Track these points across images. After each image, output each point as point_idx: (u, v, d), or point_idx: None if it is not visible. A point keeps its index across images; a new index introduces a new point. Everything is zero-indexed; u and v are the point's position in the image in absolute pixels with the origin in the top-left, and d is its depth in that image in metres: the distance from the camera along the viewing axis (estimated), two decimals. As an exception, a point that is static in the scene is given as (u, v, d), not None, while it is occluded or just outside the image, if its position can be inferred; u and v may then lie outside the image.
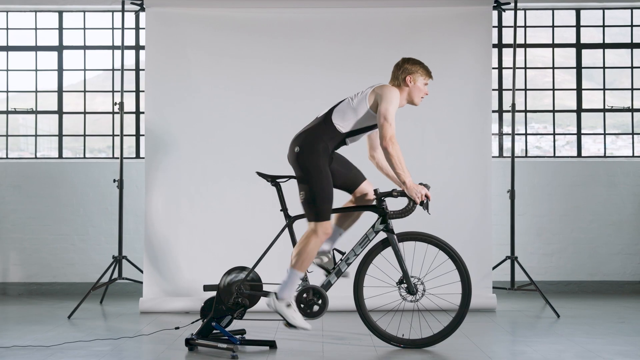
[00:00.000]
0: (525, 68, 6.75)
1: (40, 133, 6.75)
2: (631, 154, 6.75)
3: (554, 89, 6.77)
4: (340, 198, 4.24)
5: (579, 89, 6.75)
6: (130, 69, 6.66)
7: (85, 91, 6.75)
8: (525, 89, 6.76)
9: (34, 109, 6.74)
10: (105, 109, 6.84)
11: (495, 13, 6.48)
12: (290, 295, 4.02)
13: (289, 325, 4.02)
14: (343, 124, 4.06)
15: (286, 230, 4.21)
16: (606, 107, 6.77)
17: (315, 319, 4.10)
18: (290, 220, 4.21)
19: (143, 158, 6.30)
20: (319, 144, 4.02)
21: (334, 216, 4.20)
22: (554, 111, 6.77)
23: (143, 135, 6.43)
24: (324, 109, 4.19)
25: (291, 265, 4.00)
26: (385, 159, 4.02)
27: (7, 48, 6.78)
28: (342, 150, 4.21)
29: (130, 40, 6.65)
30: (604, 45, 6.79)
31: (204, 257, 5.44)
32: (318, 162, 4.00)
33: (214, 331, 4.18)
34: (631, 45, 6.80)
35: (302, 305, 4.08)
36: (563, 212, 6.55)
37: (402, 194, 4.08)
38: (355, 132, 4.10)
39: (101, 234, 6.48)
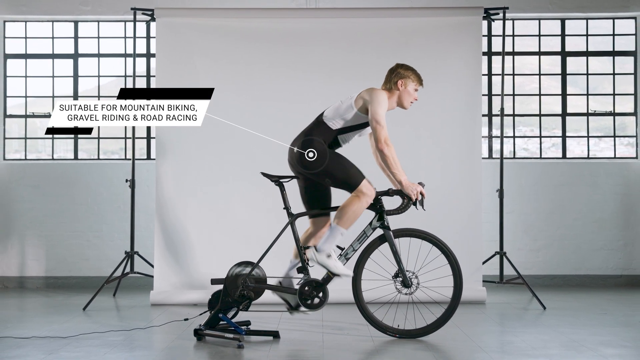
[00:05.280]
0: (514, 75, 6.76)
1: (56, 136, 6.76)
2: (613, 156, 6.76)
3: (540, 94, 6.78)
4: (339, 196, 4.25)
5: (564, 95, 6.76)
6: (142, 75, 6.66)
7: (99, 96, 6.76)
8: (514, 94, 6.76)
9: (51, 113, 6.73)
10: (118, 113, 6.84)
11: (485, 23, 6.50)
12: (330, 248, 4.06)
13: (332, 275, 4.07)
14: (334, 123, 4.12)
15: (289, 227, 4.21)
16: (589, 112, 6.77)
17: (316, 310, 4.12)
18: (292, 217, 4.21)
19: (154, 159, 6.31)
20: (313, 138, 4.08)
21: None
22: (540, 115, 6.77)
23: (154, 137, 6.44)
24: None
25: (335, 222, 4.04)
26: (381, 160, 4.05)
27: (25, 56, 6.78)
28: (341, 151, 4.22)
29: (141, 48, 6.66)
30: (587, 53, 6.79)
31: (211, 252, 5.44)
32: (318, 147, 4.04)
33: (221, 322, 4.19)
34: (613, 53, 6.80)
35: (304, 297, 4.10)
36: (549, 210, 6.56)
37: (398, 192, 4.10)
38: (346, 130, 4.14)
39: (114, 231, 6.49)
